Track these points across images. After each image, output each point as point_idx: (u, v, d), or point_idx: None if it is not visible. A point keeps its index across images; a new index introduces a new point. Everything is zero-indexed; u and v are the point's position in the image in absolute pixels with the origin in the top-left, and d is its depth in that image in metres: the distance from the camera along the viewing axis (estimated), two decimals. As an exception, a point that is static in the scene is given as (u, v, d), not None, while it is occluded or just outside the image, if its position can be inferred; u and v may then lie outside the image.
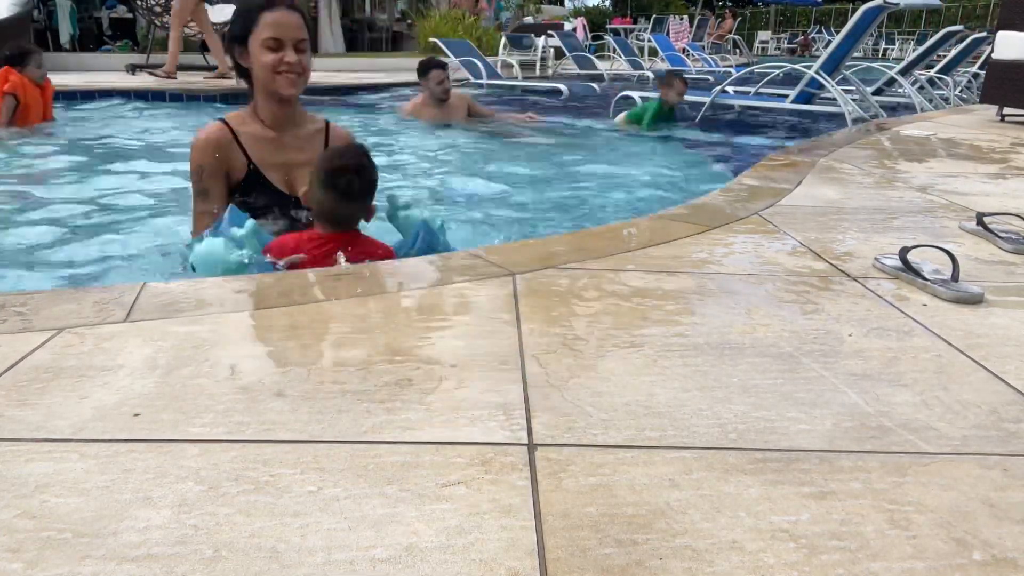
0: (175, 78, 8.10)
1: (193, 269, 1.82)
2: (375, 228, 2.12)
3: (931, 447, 1.05)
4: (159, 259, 2.42)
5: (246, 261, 1.77)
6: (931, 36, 7.96)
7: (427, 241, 2.01)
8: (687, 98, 6.27)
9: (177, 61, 8.29)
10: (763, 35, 27.70)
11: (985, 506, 0.92)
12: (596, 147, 5.27)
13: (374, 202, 2.00)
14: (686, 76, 6.61)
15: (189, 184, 2.09)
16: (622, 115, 6.10)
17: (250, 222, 1.83)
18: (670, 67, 12.83)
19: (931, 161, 3.71)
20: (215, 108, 6.71)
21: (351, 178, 1.88)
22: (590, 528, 0.85)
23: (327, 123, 2.22)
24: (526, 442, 1.03)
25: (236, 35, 2.02)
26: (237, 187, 2.07)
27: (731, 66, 13.78)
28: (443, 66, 5.37)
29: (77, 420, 1.04)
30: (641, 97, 6.78)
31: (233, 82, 2.12)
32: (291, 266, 1.81)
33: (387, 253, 1.98)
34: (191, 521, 0.84)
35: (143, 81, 7.85)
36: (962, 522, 0.89)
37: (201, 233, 1.90)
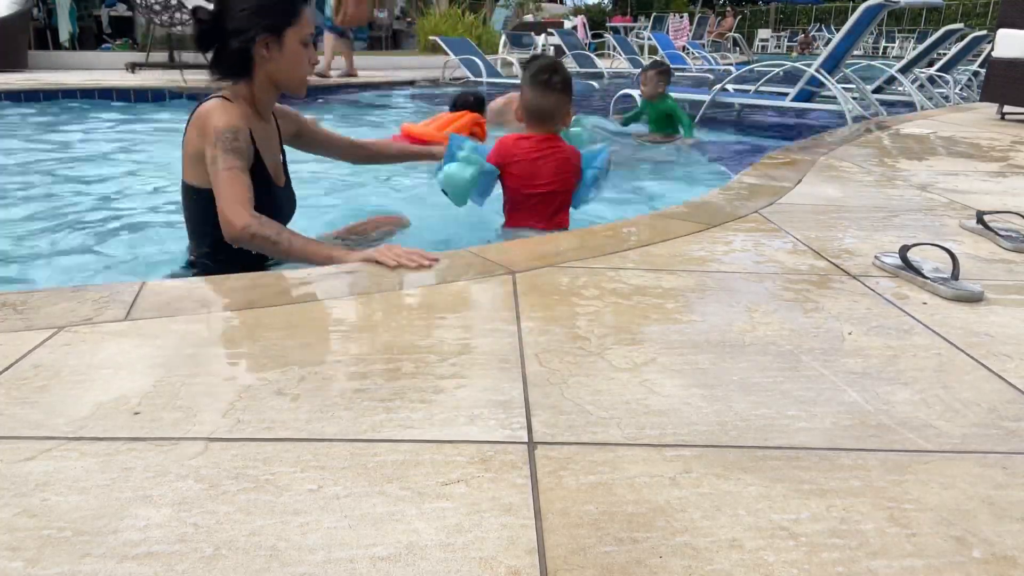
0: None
1: (446, 194, 2.32)
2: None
3: (931, 445, 1.06)
4: (159, 258, 2.42)
5: (477, 173, 2.28)
6: (931, 34, 7.95)
7: (596, 168, 2.44)
8: (688, 96, 6.27)
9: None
10: (763, 33, 27.68)
11: (985, 504, 0.92)
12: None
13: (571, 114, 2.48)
14: (684, 74, 6.56)
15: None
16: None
17: (468, 141, 2.35)
18: (671, 65, 12.81)
19: (931, 159, 3.71)
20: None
21: (551, 73, 2.35)
22: (590, 526, 0.85)
23: (274, 114, 2.11)
24: (526, 440, 1.03)
25: (269, 25, 1.88)
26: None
27: (731, 64, 13.77)
28: None
29: (77, 418, 1.04)
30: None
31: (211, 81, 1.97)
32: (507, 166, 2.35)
33: (577, 156, 2.43)
34: (191, 519, 0.84)
35: (143, 80, 7.84)
36: (962, 520, 0.89)
37: (236, 196, 1.79)
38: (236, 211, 1.77)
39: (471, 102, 4.00)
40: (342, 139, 2.44)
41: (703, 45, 16.80)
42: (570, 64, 11.98)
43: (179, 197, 2.08)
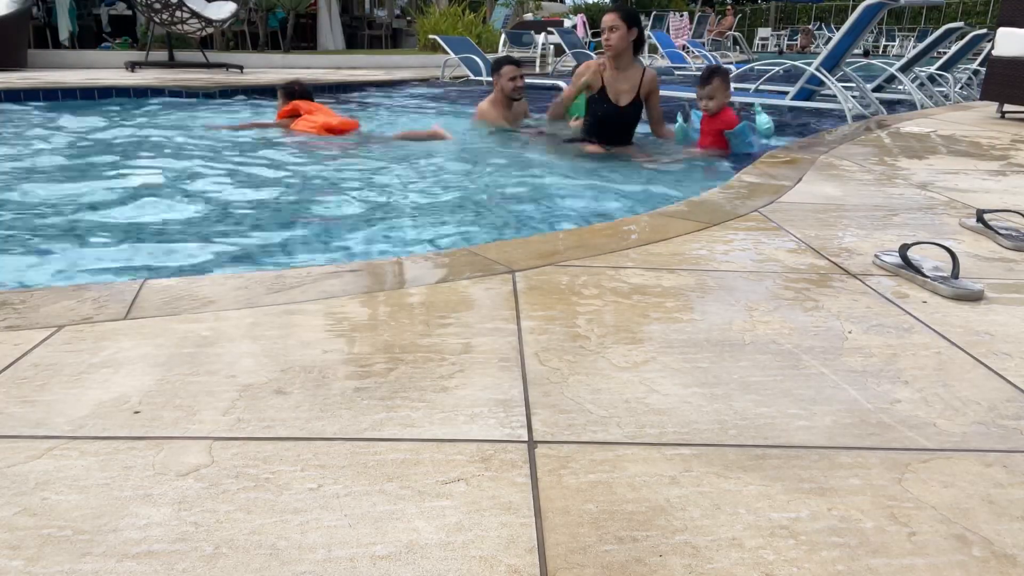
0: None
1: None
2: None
3: (931, 444, 1.06)
4: (159, 256, 2.42)
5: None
6: (932, 33, 7.95)
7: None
8: (688, 95, 6.23)
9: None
10: (763, 32, 27.65)
11: (985, 503, 0.92)
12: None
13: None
14: (684, 72, 6.30)
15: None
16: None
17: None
18: (671, 64, 12.82)
19: (931, 158, 3.71)
20: (213, 105, 6.70)
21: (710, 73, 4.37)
22: (590, 525, 0.86)
23: None
24: (526, 439, 1.03)
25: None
26: None
27: (731, 63, 13.76)
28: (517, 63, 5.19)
29: (77, 417, 1.04)
30: None
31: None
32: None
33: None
34: (191, 518, 0.84)
35: (143, 78, 7.84)
36: (962, 519, 0.89)
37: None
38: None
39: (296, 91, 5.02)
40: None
41: (703, 44, 16.77)
42: (570, 63, 11.98)
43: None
